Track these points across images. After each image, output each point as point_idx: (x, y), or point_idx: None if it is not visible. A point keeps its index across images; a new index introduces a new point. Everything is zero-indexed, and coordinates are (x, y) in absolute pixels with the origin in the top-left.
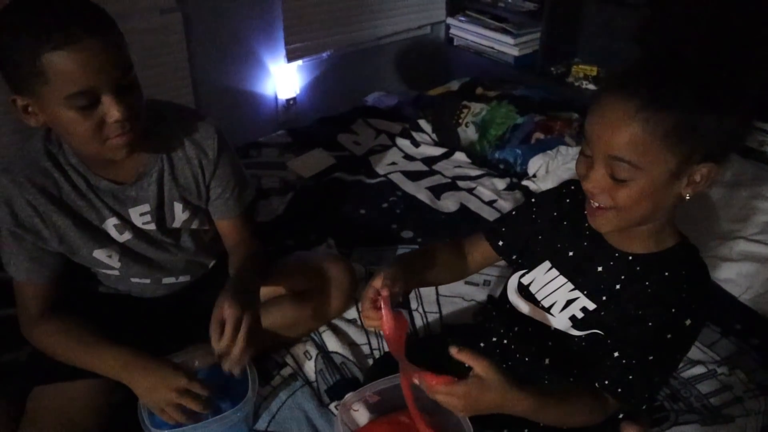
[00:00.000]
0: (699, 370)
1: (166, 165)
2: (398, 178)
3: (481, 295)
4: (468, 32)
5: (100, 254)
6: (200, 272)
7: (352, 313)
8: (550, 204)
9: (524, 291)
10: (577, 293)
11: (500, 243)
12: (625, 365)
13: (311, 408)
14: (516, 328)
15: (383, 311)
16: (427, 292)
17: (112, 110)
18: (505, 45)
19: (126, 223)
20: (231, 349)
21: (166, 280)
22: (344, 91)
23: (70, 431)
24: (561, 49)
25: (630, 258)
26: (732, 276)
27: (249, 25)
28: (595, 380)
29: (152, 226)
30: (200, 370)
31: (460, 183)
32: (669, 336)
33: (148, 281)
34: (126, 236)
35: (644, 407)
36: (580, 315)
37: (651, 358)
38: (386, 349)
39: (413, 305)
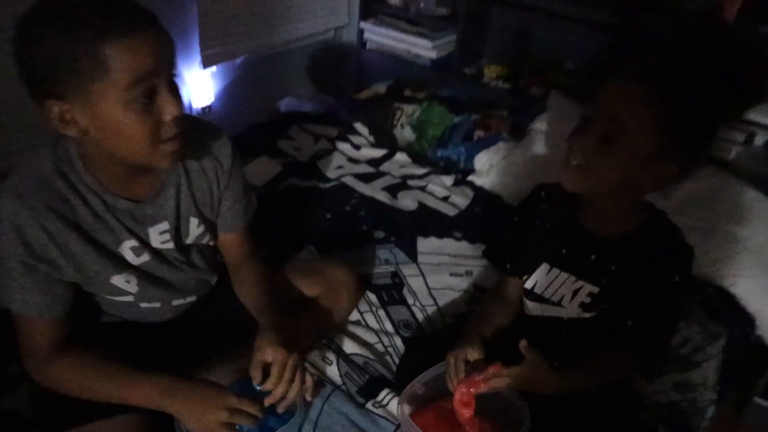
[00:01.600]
0: None
1: (183, 178)
2: (351, 181)
3: (466, 284)
4: (383, 36)
5: (118, 280)
6: (205, 291)
7: (353, 315)
8: (529, 214)
9: (530, 294)
10: (581, 282)
11: (508, 266)
12: (639, 331)
13: (350, 410)
14: (523, 328)
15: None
16: (419, 286)
17: (169, 106)
18: (422, 48)
19: (144, 244)
20: (285, 393)
21: (176, 302)
22: (257, 97)
23: None
24: (472, 52)
25: (615, 240)
26: None
27: None
28: (615, 349)
29: (170, 245)
30: (230, 386)
31: (410, 182)
32: (666, 294)
33: (158, 305)
34: (143, 258)
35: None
36: (588, 300)
37: (658, 317)
38: (399, 345)
39: (410, 300)
